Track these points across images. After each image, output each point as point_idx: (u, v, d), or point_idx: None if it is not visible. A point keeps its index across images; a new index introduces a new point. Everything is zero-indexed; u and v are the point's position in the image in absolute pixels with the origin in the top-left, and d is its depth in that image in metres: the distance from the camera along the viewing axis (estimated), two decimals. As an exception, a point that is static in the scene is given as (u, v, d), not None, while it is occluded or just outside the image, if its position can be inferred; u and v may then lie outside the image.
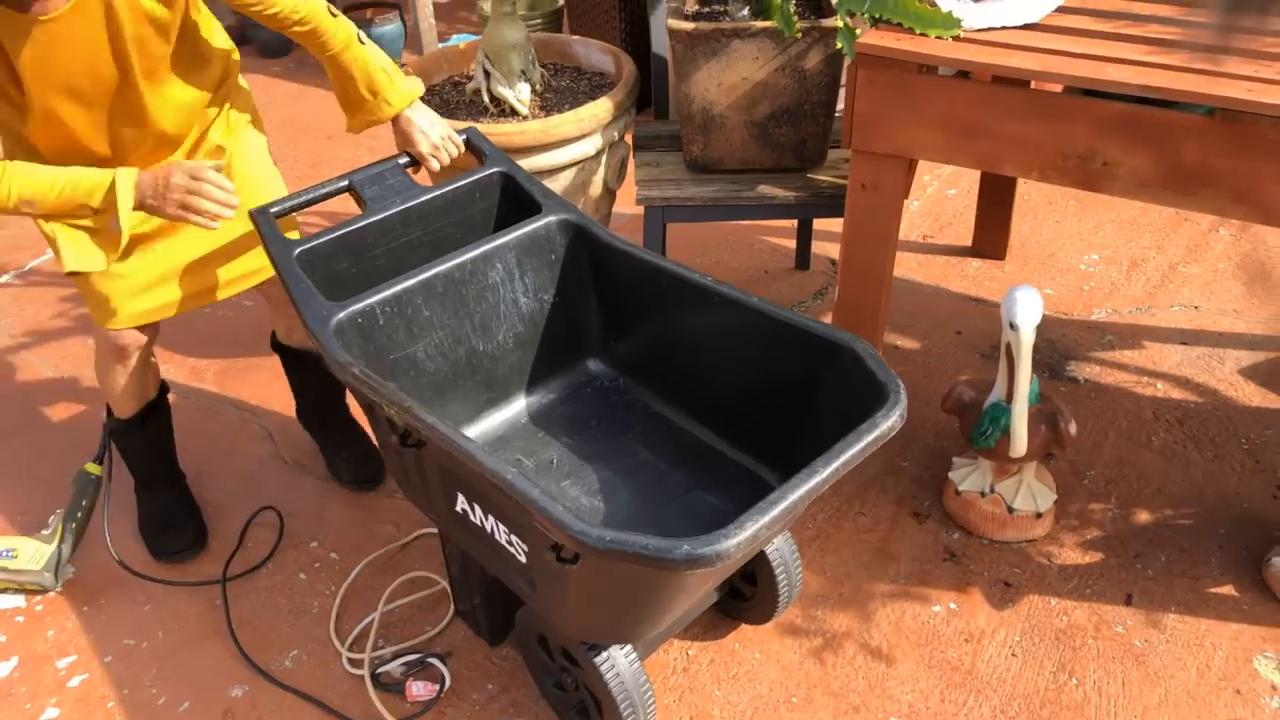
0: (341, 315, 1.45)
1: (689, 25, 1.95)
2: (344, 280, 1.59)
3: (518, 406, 1.70)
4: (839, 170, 2.14)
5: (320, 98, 3.88)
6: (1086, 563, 1.85)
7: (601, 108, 2.07)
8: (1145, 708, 1.60)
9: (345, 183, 1.65)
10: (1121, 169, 1.59)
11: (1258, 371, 2.27)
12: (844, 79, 1.79)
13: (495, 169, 1.71)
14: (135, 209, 1.51)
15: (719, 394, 1.58)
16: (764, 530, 1.09)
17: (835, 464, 1.16)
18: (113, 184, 1.48)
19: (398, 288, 1.51)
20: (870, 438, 1.19)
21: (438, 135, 1.76)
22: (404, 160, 1.74)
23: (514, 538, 1.31)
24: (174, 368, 2.49)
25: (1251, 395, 2.20)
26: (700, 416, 1.63)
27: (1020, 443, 1.73)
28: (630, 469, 1.58)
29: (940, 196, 3.01)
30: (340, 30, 1.67)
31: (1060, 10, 1.72)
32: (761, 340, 1.46)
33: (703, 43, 1.95)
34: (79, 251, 1.59)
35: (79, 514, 1.95)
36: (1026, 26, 1.67)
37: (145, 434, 1.94)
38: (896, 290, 2.59)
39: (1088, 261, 2.68)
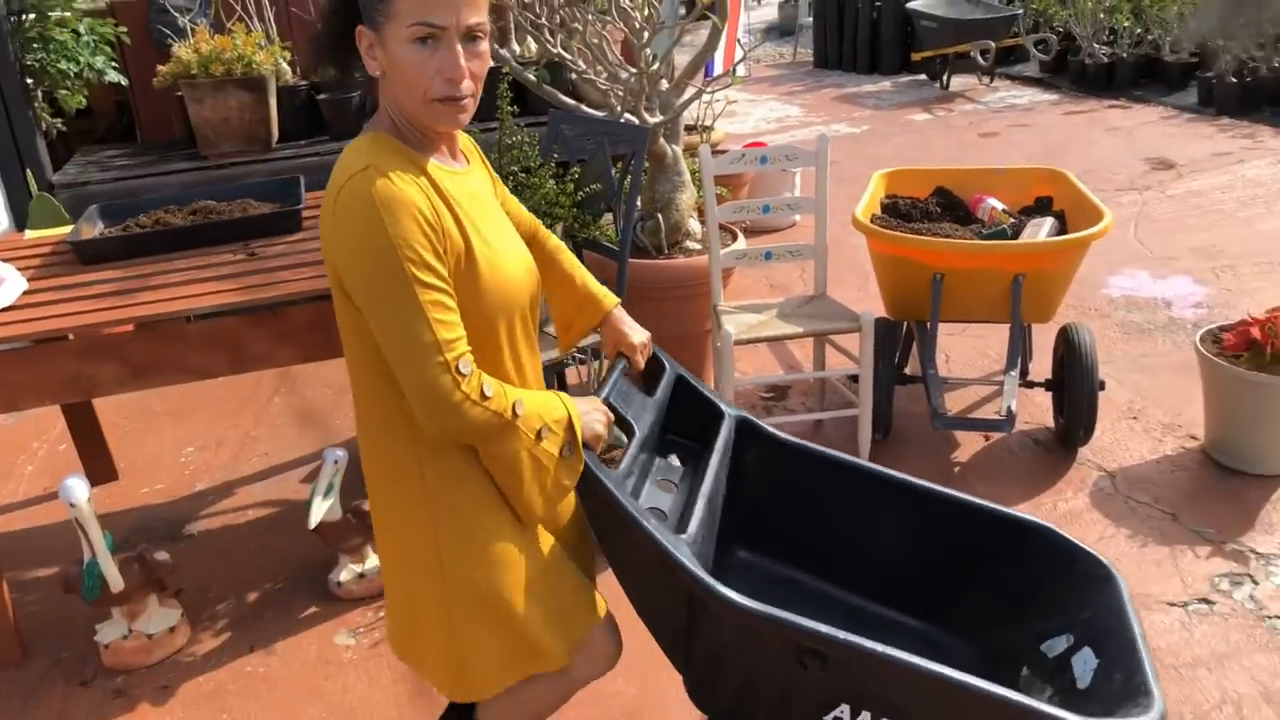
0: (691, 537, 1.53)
1: None
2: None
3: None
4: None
5: None
6: (219, 642, 2.54)
7: None
8: (290, 711, 2.34)
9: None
10: (100, 379, 2.36)
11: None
12: None
13: (675, 373, 1.86)
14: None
15: (870, 567, 1.80)
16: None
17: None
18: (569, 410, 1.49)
19: (703, 500, 1.63)
20: None
21: (641, 335, 1.80)
22: (622, 365, 1.77)
23: None
24: None
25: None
26: (855, 587, 1.83)
27: (115, 581, 2.35)
28: None
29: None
30: (551, 235, 1.78)
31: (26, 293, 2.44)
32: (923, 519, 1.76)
33: None
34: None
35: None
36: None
37: None
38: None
39: (187, 454, 3.46)
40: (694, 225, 3.58)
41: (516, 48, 3.68)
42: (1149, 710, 1.36)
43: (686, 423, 1.86)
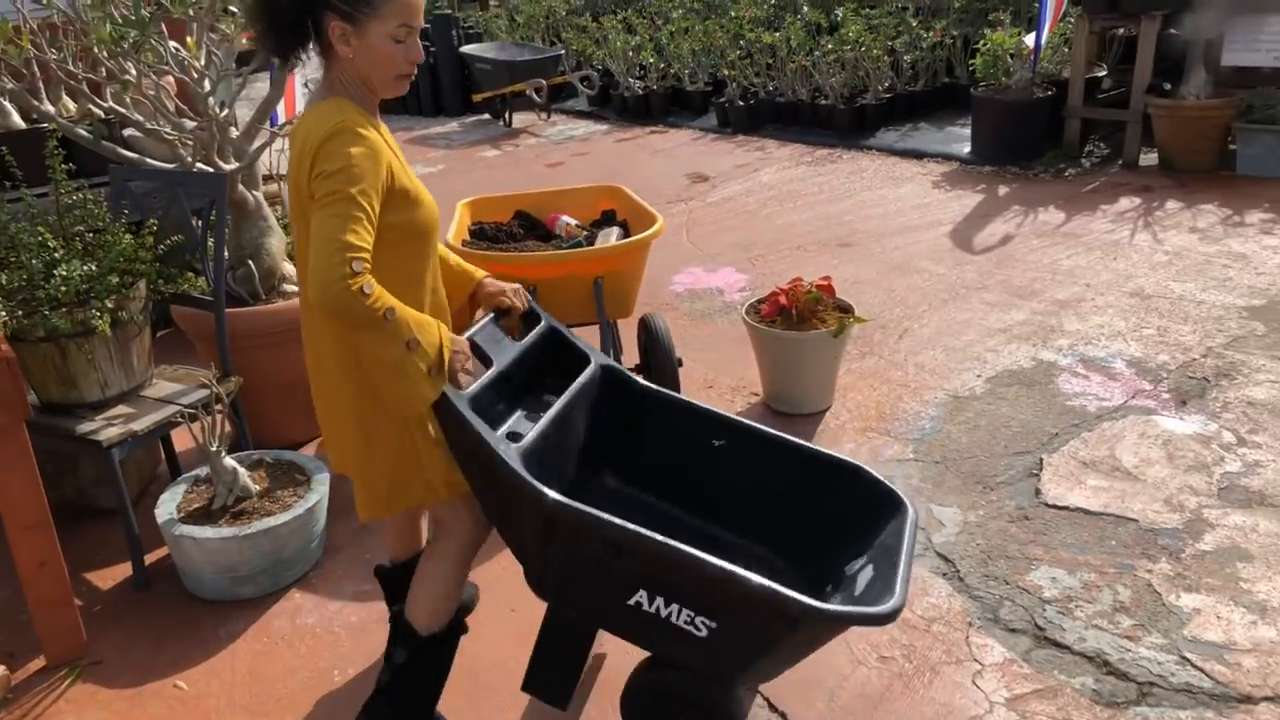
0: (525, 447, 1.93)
1: None
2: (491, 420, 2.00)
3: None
4: None
5: None
6: None
7: None
8: None
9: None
10: None
11: None
12: None
13: (549, 325, 2.32)
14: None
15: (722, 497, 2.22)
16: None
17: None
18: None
19: (547, 421, 2.05)
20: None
21: (511, 288, 2.28)
22: (491, 315, 2.22)
23: (700, 619, 1.83)
24: None
25: None
26: (703, 513, 2.22)
27: None
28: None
29: None
30: None
31: None
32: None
33: None
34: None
35: None
36: None
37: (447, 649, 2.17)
38: None
39: None
40: (289, 269, 3.58)
41: (50, 107, 3.42)
42: (883, 604, 1.77)
43: (561, 369, 2.24)
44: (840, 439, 3.43)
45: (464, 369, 1.97)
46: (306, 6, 1.82)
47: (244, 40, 3.05)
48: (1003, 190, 6.22)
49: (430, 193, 2.01)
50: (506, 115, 9.66)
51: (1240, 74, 6.40)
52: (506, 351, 2.15)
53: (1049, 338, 4.08)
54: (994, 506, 2.99)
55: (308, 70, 2.17)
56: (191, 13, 3.00)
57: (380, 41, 1.83)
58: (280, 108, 5.23)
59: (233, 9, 2.87)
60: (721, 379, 3.96)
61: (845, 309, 3.57)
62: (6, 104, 4.15)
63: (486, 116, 10.09)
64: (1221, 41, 6.03)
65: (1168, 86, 6.29)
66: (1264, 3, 5.97)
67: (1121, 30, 6.87)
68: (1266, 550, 2.69)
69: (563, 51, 10.05)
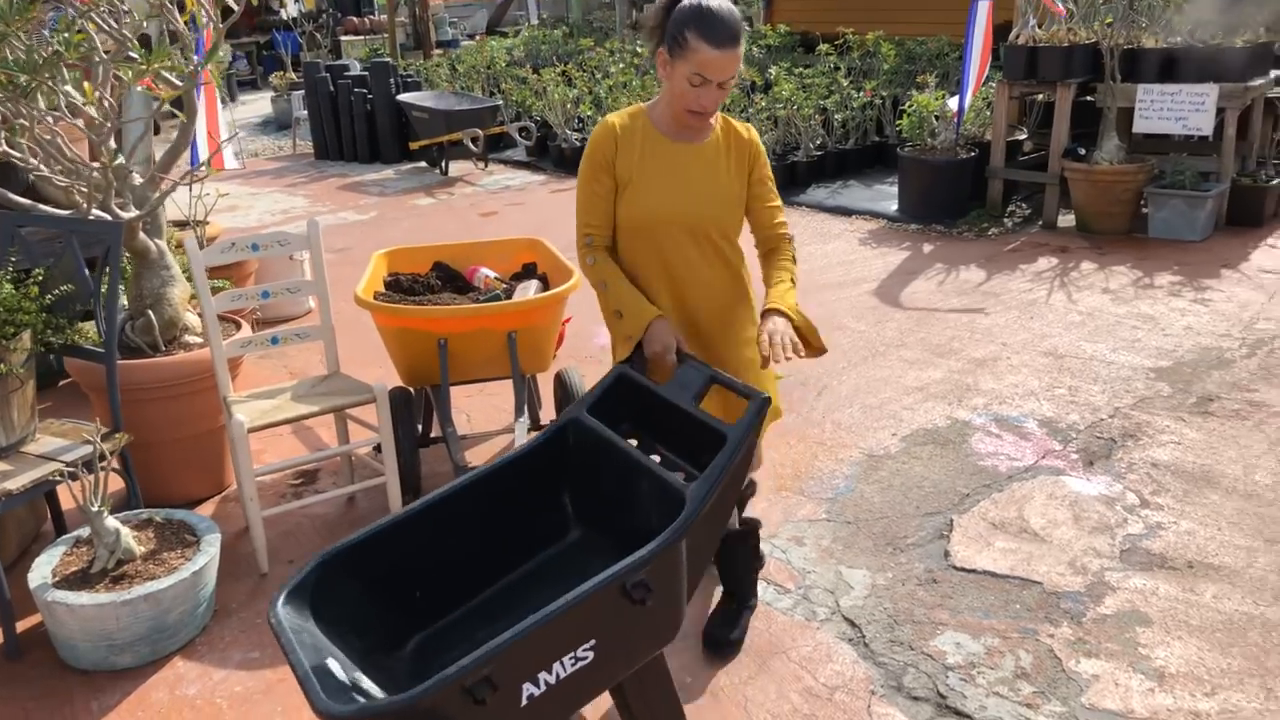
0: None
1: None
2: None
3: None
4: None
5: None
6: None
7: None
8: None
9: None
10: None
11: None
12: None
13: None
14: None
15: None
16: None
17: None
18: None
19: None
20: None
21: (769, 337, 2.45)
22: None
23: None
24: None
25: None
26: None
27: None
28: None
29: None
30: (781, 252, 2.58)
31: None
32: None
33: None
34: None
35: None
36: None
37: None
38: None
39: None
40: (192, 319, 3.47)
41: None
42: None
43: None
44: (754, 499, 3.40)
45: (654, 355, 2.29)
46: (663, 26, 2.29)
47: (139, 87, 2.98)
48: (927, 248, 6.33)
49: (648, 199, 2.39)
50: (443, 163, 9.63)
51: (1152, 140, 6.65)
52: (685, 389, 2.18)
53: (964, 396, 4.12)
54: (903, 569, 2.97)
55: (236, 113, 2.09)
56: (96, 58, 2.93)
57: (680, 79, 2.26)
58: (202, 151, 5.14)
59: (133, 55, 2.80)
60: (640, 435, 3.92)
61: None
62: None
63: (423, 164, 10.05)
64: (1133, 109, 6.26)
65: (1083, 151, 6.50)
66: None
67: (1040, 95, 7.10)
68: (1165, 614, 2.71)
69: (501, 102, 10.09)
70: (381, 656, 1.92)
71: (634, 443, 2.19)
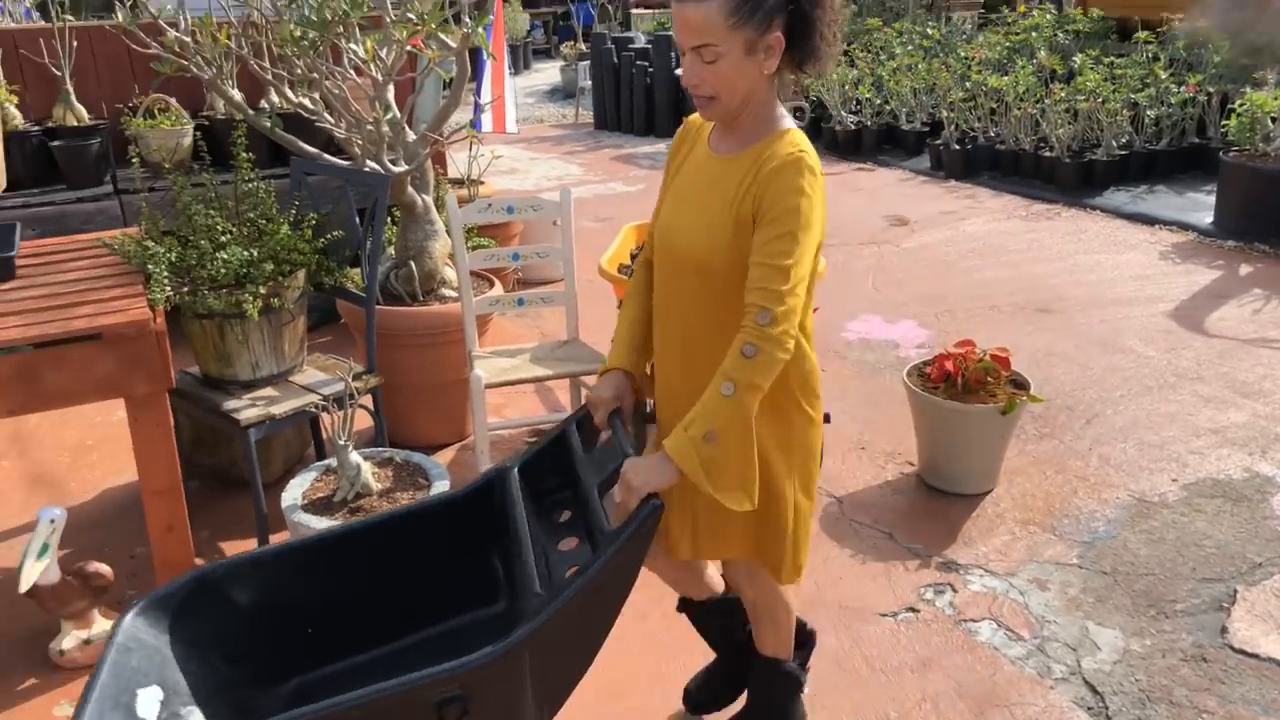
0: None
1: None
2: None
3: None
4: None
5: None
6: None
7: None
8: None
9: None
10: None
11: None
12: None
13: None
14: None
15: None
16: None
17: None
18: None
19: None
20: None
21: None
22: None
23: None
24: None
25: None
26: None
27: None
28: None
29: None
30: (748, 333, 1.72)
31: None
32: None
33: None
34: None
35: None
36: None
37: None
38: None
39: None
40: (450, 273, 3.62)
41: (239, 95, 3.62)
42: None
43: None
44: (995, 529, 3.07)
45: (588, 402, 1.99)
46: None
47: (409, 46, 3.10)
48: (1244, 270, 5.51)
49: (659, 215, 1.91)
50: (714, 140, 9.60)
51: None
52: (601, 468, 1.86)
53: (1271, 448, 3.52)
54: (1165, 638, 2.57)
55: (528, 80, 2.10)
56: (385, 18, 3.08)
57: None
58: (486, 117, 5.39)
59: (410, 16, 2.92)
60: (877, 442, 3.67)
61: (1021, 384, 3.21)
62: (234, 92, 4.46)
63: (695, 139, 10.07)
64: None
65: None
66: None
67: None
68: None
69: (779, 80, 9.89)
70: (251, 689, 1.72)
71: (568, 513, 1.91)
